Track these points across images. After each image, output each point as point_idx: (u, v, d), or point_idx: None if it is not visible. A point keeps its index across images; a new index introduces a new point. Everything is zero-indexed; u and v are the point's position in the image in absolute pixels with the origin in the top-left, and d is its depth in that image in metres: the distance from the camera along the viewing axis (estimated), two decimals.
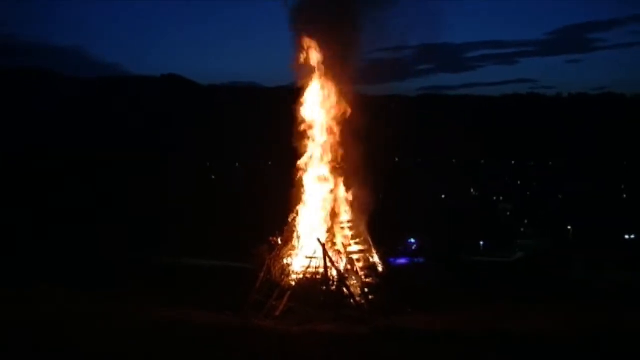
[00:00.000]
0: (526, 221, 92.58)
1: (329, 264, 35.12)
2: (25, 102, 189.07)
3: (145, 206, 72.04)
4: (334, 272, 35.21)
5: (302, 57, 37.17)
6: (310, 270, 35.71)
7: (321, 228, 36.78)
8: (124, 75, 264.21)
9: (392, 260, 42.80)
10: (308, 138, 37.55)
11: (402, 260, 51.58)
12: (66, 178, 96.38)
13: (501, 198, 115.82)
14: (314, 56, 37.07)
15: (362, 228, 37.97)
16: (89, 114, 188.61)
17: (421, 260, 56.85)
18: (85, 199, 78.40)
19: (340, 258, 36.16)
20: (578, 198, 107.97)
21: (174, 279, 41.90)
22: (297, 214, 37.51)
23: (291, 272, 36.15)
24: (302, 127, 37.45)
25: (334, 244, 36.43)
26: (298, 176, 37.76)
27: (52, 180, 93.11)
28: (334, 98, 37.41)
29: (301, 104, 37.44)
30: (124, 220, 64.14)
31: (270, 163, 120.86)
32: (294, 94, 37.62)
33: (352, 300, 34.70)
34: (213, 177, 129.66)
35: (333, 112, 37.40)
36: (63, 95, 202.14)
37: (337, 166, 37.52)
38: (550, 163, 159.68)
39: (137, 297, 35.23)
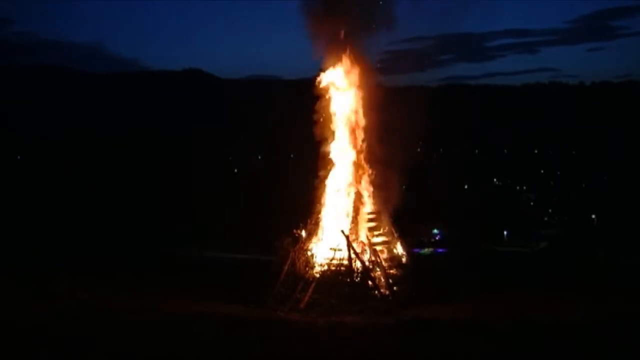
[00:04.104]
0: (550, 210, 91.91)
1: (353, 256, 35.12)
2: (45, 99, 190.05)
3: (168, 200, 72.36)
4: (358, 264, 35.21)
5: (326, 45, 37.02)
6: (334, 262, 35.72)
7: (345, 220, 36.72)
8: (144, 71, 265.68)
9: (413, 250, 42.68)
10: (331, 129, 37.38)
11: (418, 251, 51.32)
12: (88, 172, 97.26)
13: (524, 187, 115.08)
14: (338, 44, 36.93)
15: (386, 219, 37.86)
16: (109, 109, 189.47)
17: (440, 250, 56.79)
18: (106, 193, 79.12)
19: (364, 250, 36.15)
20: (602, 187, 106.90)
21: (199, 273, 42.09)
22: (320, 206, 37.47)
23: (315, 264, 36.19)
24: (325, 118, 37.29)
25: (357, 235, 36.39)
26: (321, 169, 37.69)
27: (73, 175, 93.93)
28: (357, 88, 37.30)
29: (322, 95, 37.28)
30: (146, 214, 64.59)
31: (292, 156, 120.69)
32: (316, 84, 37.36)
33: (376, 292, 34.69)
34: (235, 170, 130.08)
35: (356, 103, 37.30)
36: (83, 92, 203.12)
37: (361, 157, 37.46)
38: (574, 152, 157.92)
39: (162, 291, 35.50)
